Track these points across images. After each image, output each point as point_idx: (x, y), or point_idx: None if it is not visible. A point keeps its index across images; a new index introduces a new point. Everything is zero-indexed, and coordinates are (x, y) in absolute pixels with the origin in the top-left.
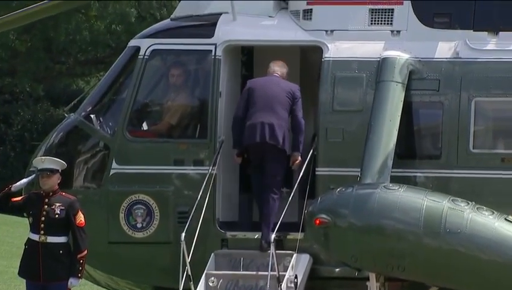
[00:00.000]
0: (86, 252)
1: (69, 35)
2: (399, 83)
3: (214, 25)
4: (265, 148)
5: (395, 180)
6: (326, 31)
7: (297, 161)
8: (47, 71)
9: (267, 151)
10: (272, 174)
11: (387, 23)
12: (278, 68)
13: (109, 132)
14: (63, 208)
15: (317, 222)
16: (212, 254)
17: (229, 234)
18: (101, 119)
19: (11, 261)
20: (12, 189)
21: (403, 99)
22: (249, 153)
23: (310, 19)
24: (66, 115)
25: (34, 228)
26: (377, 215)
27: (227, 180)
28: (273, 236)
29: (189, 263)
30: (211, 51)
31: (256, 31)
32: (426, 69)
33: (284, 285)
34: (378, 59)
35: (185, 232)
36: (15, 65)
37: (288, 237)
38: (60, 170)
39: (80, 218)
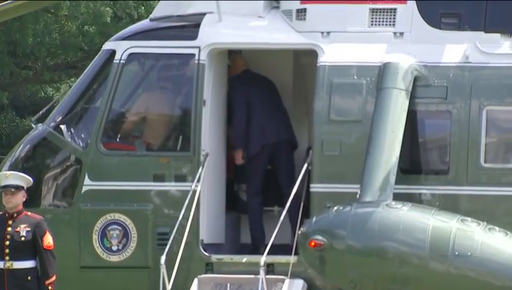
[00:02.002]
0: (54, 277)
1: (36, 37)
2: (402, 90)
3: (198, 26)
4: (280, 148)
5: (398, 197)
6: (322, 32)
7: None
8: (12, 77)
9: (281, 150)
10: (291, 173)
11: (390, 24)
12: (244, 62)
13: (81, 145)
14: (28, 229)
15: (312, 243)
16: (196, 279)
17: (215, 257)
18: (72, 130)
19: None
20: None
21: (406, 108)
22: (255, 157)
23: (304, 19)
24: (33, 125)
25: None
26: (378, 236)
27: (213, 198)
28: (263, 259)
29: (170, 289)
30: (194, 54)
31: (244, 33)
32: (432, 74)
33: None
34: (380, 64)
35: (166, 256)
36: None
37: (280, 260)
38: (25, 187)
39: (48, 240)
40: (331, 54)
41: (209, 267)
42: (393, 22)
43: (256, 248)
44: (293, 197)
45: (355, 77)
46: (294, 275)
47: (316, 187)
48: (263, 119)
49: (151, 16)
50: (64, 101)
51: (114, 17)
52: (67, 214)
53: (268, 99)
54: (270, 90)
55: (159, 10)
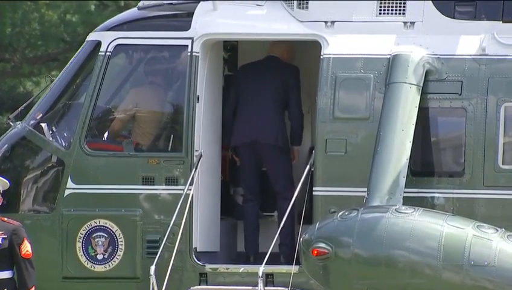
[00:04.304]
0: (33, 289)
1: (14, 27)
2: (413, 85)
3: (191, 15)
4: (259, 149)
5: (408, 202)
6: (326, 22)
7: (295, 156)
8: None
9: (262, 151)
10: (274, 177)
11: (399, 13)
12: (276, 47)
13: (64, 144)
14: (5, 236)
15: (315, 252)
16: None
17: (209, 267)
18: (54, 128)
19: None
20: None
21: (418, 105)
22: (238, 156)
23: (307, 7)
24: (11, 123)
25: None
26: (386, 244)
27: (207, 202)
28: (261, 269)
29: None
30: (187, 46)
31: (242, 23)
32: (446, 68)
33: None
34: (388, 56)
35: (156, 265)
36: None
37: (280, 270)
38: (1, 191)
39: (26, 248)
40: (336, 46)
41: (203, 278)
42: (403, 10)
43: (247, 257)
44: (293, 202)
45: (362, 71)
46: (295, 286)
47: (319, 190)
48: (243, 117)
49: (140, 4)
50: (45, 97)
51: (99, 5)
52: (48, 220)
53: (262, 93)
54: (269, 87)
55: None
